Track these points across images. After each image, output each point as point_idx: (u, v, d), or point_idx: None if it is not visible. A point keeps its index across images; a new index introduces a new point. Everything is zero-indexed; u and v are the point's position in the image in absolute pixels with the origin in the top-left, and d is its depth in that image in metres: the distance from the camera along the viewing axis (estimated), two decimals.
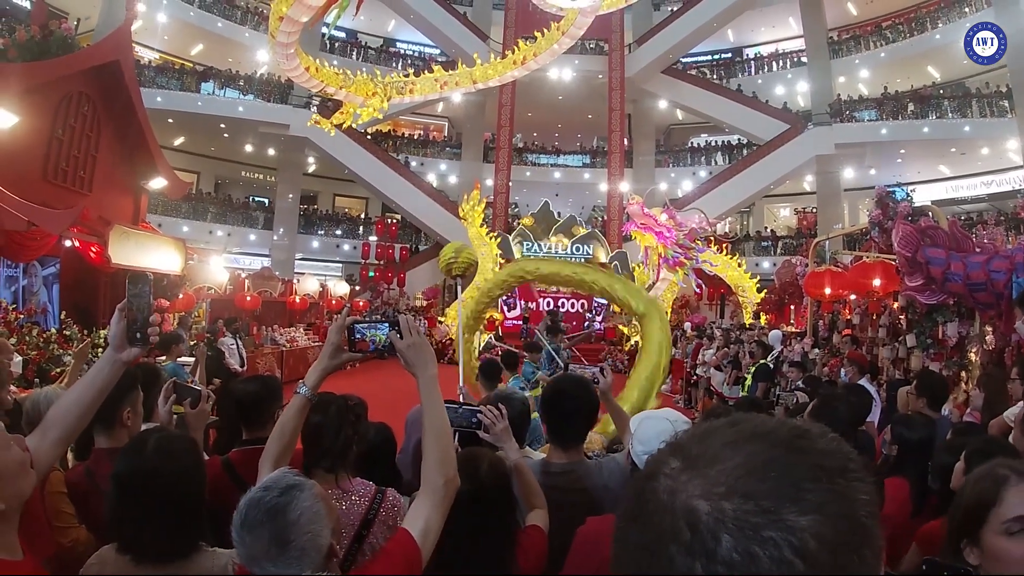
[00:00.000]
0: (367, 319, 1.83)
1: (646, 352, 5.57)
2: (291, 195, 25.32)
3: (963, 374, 6.69)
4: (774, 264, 21.62)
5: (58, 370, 6.30)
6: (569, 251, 20.64)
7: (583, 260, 19.85)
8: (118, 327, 1.69)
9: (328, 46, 26.03)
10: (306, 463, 1.96)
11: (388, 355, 1.78)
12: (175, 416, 2.52)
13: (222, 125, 23.72)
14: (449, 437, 1.73)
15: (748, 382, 8.39)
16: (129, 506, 1.62)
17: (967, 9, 21.14)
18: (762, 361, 8.60)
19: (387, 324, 1.77)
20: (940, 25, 21.85)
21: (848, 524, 0.51)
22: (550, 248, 20.68)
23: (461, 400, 3.24)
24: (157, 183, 10.80)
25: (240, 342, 9.82)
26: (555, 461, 2.39)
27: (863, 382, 6.13)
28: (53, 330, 7.24)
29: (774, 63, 27.88)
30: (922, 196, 22.10)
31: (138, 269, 8.97)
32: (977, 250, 6.31)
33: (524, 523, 2.02)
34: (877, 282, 8.16)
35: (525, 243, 21.20)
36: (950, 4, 21.90)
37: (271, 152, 25.96)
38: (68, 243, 8.66)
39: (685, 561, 0.51)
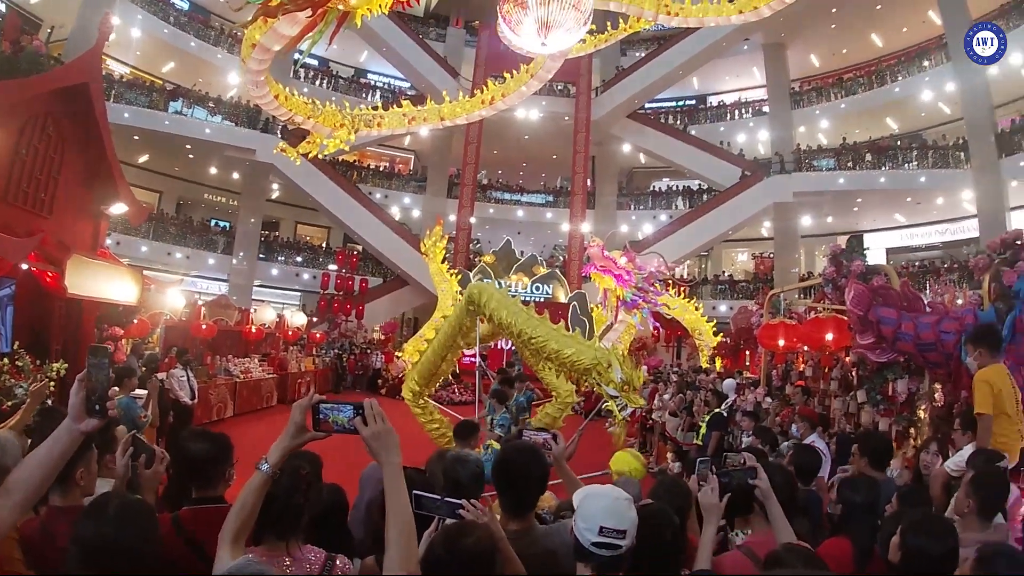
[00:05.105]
0: (332, 401, 1.83)
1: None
2: (253, 220, 25.14)
3: (912, 430, 6.86)
4: (731, 308, 22.02)
5: (9, 403, 6.10)
6: (529, 290, 20.62)
7: (542, 300, 19.87)
8: (77, 398, 1.73)
9: (299, 73, 26.12)
10: (256, 531, 1.96)
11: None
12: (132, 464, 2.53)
13: (188, 146, 23.47)
14: (412, 531, 1.73)
15: (703, 430, 8.50)
16: (89, 569, 1.66)
17: (926, 63, 21.96)
18: (716, 410, 8.71)
19: (351, 406, 1.77)
20: (900, 79, 22.63)
21: None
22: (510, 286, 20.65)
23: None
24: (118, 208, 10.62)
25: (191, 374, 9.66)
26: (508, 528, 2.40)
27: (814, 436, 6.24)
28: (5, 361, 7.04)
29: (737, 111, 28.64)
30: (878, 243, 22.84)
31: (91, 298, 8.77)
32: (928, 310, 6.50)
33: None
34: (830, 336, 8.31)
35: (485, 280, 21.03)
36: (910, 59, 22.76)
37: (235, 176, 25.81)
38: (25, 266, 8.47)
39: None
